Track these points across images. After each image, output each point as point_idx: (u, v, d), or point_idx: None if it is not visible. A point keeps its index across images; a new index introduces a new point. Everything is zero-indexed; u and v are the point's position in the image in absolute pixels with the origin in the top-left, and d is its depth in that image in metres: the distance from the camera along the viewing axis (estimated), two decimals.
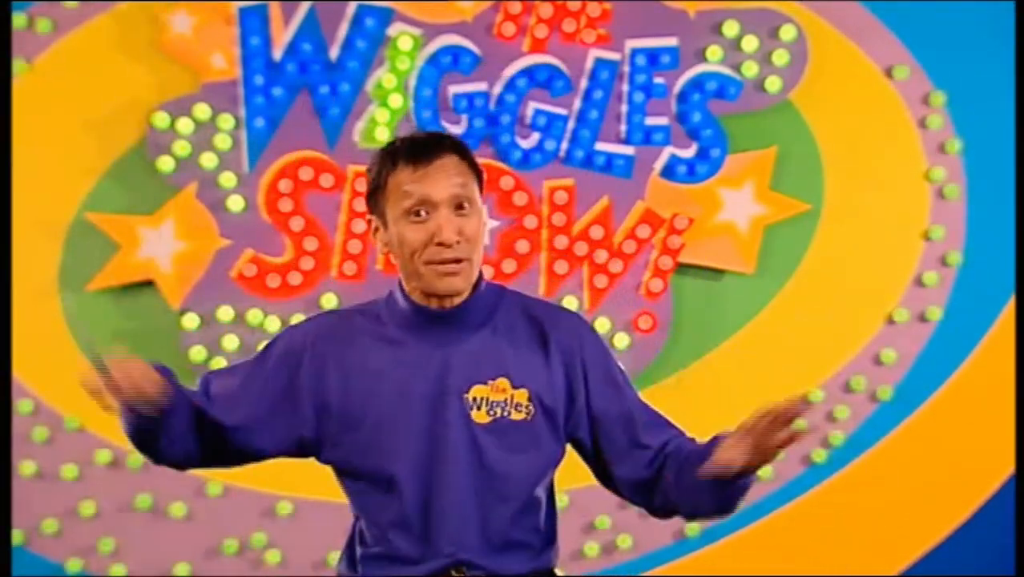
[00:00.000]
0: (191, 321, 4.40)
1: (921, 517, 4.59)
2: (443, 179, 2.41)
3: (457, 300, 2.46)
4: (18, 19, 4.40)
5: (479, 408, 2.44)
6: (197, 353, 4.40)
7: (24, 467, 4.43)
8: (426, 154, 2.42)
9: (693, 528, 4.50)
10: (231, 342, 4.40)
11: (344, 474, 2.53)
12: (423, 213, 2.40)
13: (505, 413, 2.44)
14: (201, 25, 4.41)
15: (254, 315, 4.41)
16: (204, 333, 4.40)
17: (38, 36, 4.42)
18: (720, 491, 2.38)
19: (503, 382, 2.45)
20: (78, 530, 4.46)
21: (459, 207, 2.41)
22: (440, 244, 2.39)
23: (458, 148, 2.46)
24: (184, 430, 2.43)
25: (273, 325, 4.37)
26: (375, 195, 2.46)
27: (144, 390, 2.30)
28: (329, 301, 4.41)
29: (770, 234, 4.52)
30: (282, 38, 4.43)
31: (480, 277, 2.50)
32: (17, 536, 4.41)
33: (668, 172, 4.49)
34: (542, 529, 2.52)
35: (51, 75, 4.44)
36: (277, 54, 4.43)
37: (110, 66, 4.43)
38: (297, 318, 4.38)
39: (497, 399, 2.44)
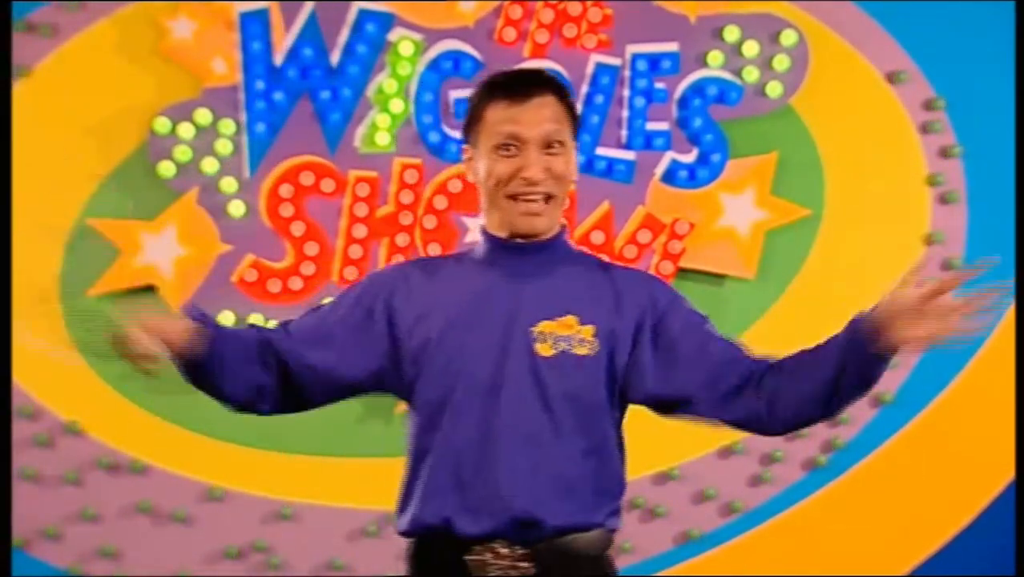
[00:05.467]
0: None
1: (922, 521, 4.58)
2: (536, 117, 2.44)
3: (535, 239, 2.50)
4: (19, 24, 4.40)
5: (544, 341, 2.44)
6: None
7: (24, 471, 4.43)
8: (522, 90, 2.45)
9: (695, 531, 4.49)
10: None
11: (414, 408, 2.50)
12: (512, 148, 2.44)
13: (569, 347, 2.44)
14: (202, 30, 4.41)
15: (255, 320, 4.39)
16: None
17: (39, 41, 4.42)
18: (856, 361, 2.47)
19: (571, 319, 2.45)
20: (78, 535, 4.45)
21: (549, 146, 2.45)
22: (524, 179, 2.43)
23: (556, 88, 2.49)
24: (243, 367, 2.45)
25: None
26: (471, 125, 2.50)
27: (170, 340, 2.35)
28: None
29: (771, 239, 4.52)
30: (283, 43, 4.43)
31: (564, 227, 2.54)
32: (17, 540, 4.41)
33: (669, 177, 4.49)
34: (600, 479, 2.46)
35: (52, 80, 4.44)
36: (278, 59, 4.43)
37: (111, 71, 4.43)
38: None
39: (563, 334, 2.44)
